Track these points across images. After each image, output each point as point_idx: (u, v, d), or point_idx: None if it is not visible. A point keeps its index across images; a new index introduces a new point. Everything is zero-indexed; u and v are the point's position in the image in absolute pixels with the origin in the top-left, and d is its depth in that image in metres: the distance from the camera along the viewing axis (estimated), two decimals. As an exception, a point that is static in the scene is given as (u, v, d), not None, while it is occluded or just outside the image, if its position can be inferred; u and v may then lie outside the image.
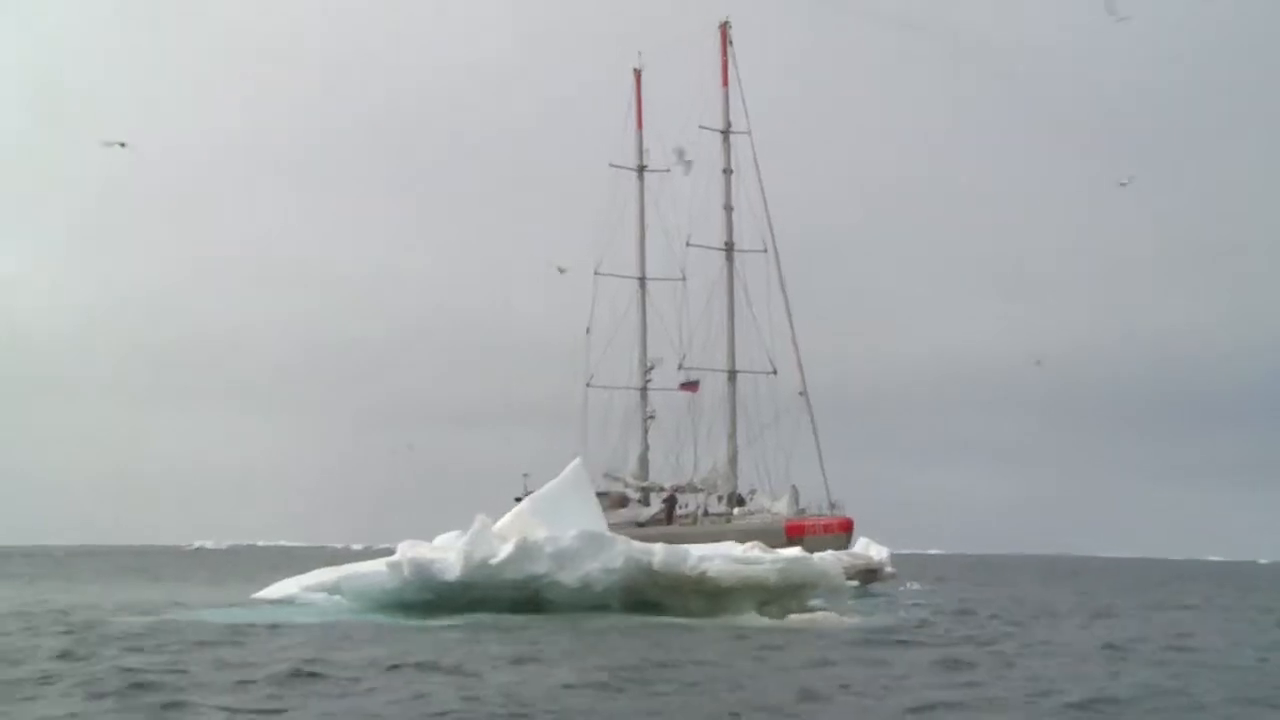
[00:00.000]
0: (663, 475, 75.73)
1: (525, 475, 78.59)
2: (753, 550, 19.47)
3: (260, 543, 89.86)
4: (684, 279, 74.17)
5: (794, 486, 65.16)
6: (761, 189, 68.66)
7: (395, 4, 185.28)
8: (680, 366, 74.48)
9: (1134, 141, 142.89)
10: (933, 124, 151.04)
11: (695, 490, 72.03)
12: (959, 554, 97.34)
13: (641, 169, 79.98)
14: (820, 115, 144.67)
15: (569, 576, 18.57)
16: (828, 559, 20.32)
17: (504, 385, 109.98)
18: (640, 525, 68.35)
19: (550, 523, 19.38)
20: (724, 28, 73.80)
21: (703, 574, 18.59)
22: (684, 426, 72.08)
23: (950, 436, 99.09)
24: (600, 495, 74.21)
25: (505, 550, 18.53)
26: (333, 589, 19.07)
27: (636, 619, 17.78)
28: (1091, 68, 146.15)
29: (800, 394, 68.41)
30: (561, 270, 55.75)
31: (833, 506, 63.02)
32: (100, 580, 33.59)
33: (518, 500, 70.21)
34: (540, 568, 18.61)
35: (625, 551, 18.74)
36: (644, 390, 78.81)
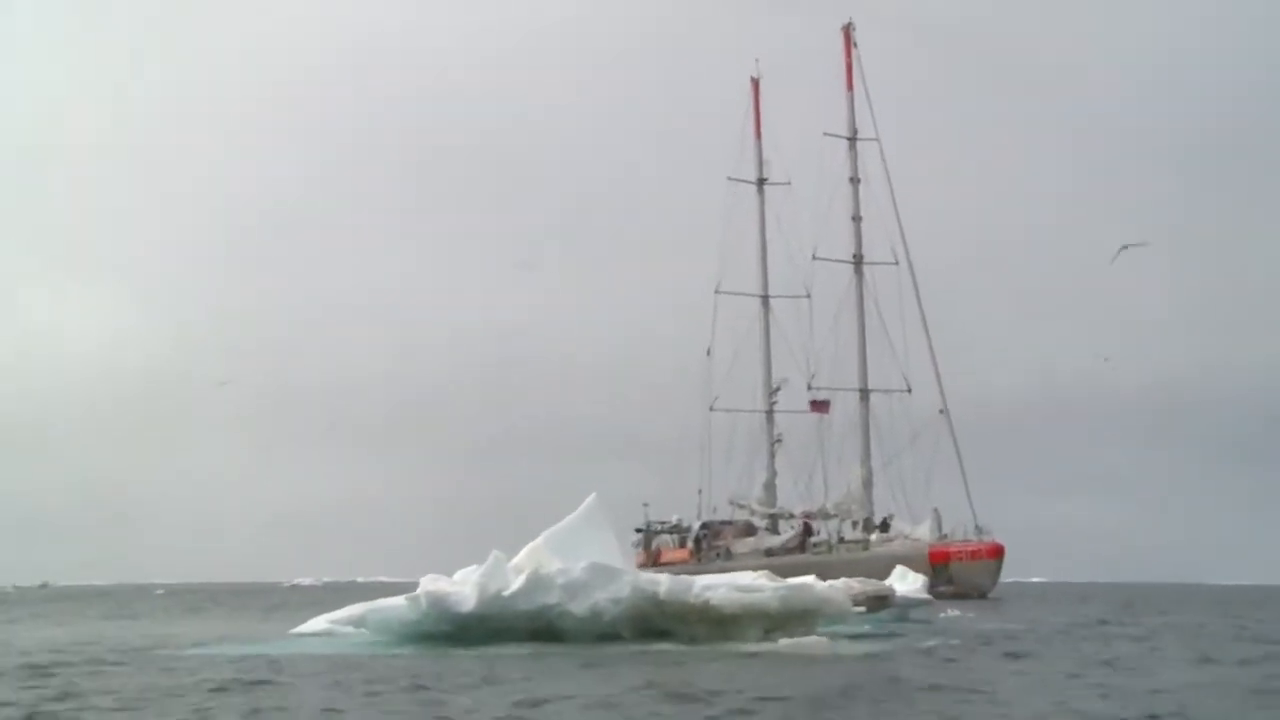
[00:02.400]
0: (791, 501, 77.88)
1: (645, 505, 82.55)
2: (759, 579, 22.05)
3: (359, 579, 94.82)
4: (809, 295, 76.49)
5: (936, 510, 66.79)
6: (892, 197, 70.43)
7: (494, 28, 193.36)
8: (809, 386, 76.48)
9: (1240, 173, 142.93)
10: (1067, 126, 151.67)
11: (828, 516, 73.91)
12: (1062, 581, 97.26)
13: (761, 182, 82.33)
14: (954, 117, 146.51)
15: (579, 607, 21.37)
16: (836, 586, 22.81)
17: (623, 414, 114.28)
18: (770, 554, 70.43)
19: (565, 556, 22.25)
20: (847, 29, 75.55)
21: (706, 602, 21.23)
22: (813, 449, 74.42)
23: (1052, 461, 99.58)
24: (725, 524, 77.87)
25: (518, 582, 21.47)
26: (359, 622, 22.24)
27: (625, 647, 20.39)
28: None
29: (941, 412, 69.88)
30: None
31: (979, 531, 64.25)
32: (157, 616, 38.37)
33: (638, 531, 73.76)
34: (552, 598, 21.46)
35: (632, 582, 21.50)
36: (769, 412, 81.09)
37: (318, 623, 23.38)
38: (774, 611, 21.20)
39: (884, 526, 69.47)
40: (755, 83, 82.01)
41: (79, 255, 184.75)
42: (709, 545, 77.42)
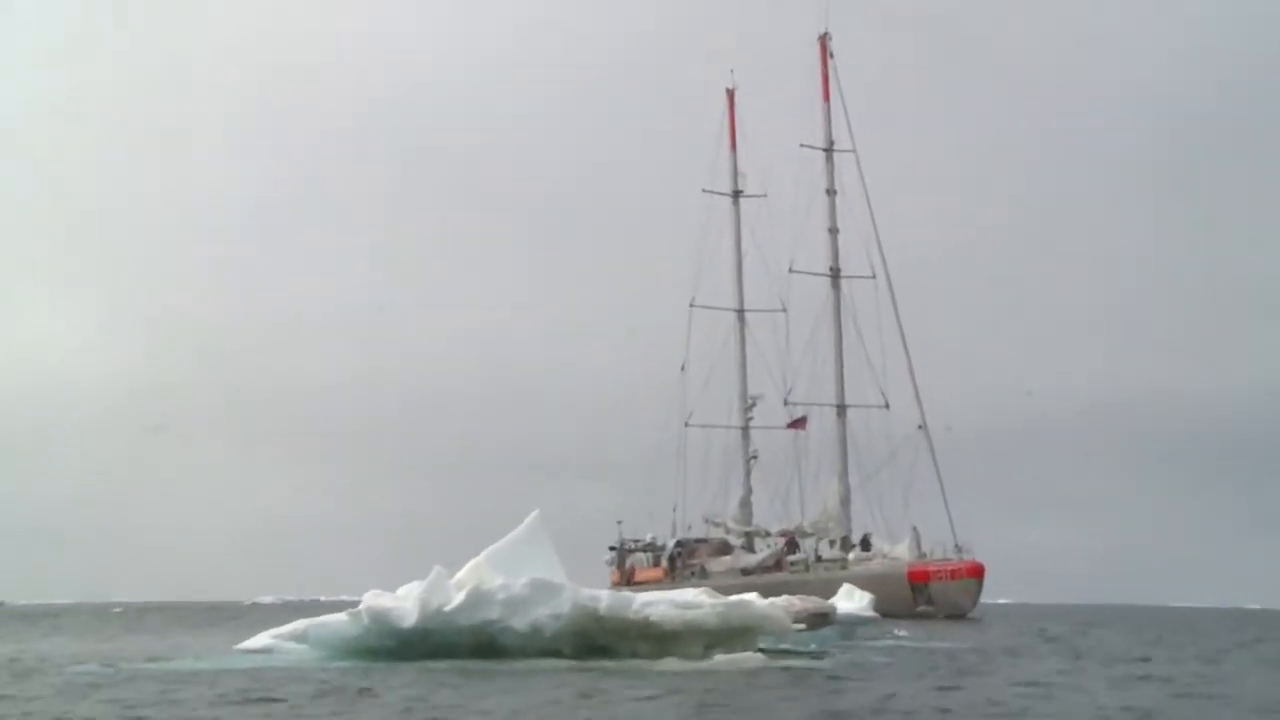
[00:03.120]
0: (767, 519, 78.65)
1: (619, 523, 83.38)
2: (699, 595, 22.88)
3: (323, 597, 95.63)
4: (785, 310, 77.34)
5: (915, 529, 67.46)
6: (870, 210, 71.40)
7: (467, 37, 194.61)
8: (785, 402, 77.35)
9: (1237, 189, 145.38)
10: (1049, 136, 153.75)
11: (805, 535, 74.66)
12: (1030, 604, 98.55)
13: (737, 194, 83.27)
14: (932, 128, 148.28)
15: (520, 623, 22.14)
16: (777, 604, 23.67)
17: (596, 430, 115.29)
18: (746, 573, 71.18)
19: (507, 573, 23.05)
20: (823, 40, 76.58)
21: (646, 619, 22.04)
22: (789, 466, 75.19)
23: (1032, 481, 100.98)
24: (699, 542, 78.57)
25: (458, 598, 22.27)
26: (300, 638, 23.01)
27: (564, 664, 21.20)
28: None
29: (919, 428, 70.68)
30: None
31: (960, 550, 64.93)
32: (105, 634, 39.22)
33: (611, 549, 74.37)
34: (493, 614, 22.23)
35: (572, 598, 22.27)
36: (745, 429, 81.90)
37: (262, 639, 24.10)
38: (713, 628, 22.00)
39: (864, 544, 70.23)
40: (730, 94, 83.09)
41: (56, 259, 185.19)
42: (684, 564, 78.22)
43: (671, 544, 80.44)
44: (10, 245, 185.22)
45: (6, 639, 36.26)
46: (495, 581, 22.60)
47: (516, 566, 23.15)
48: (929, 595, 62.25)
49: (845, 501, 72.06)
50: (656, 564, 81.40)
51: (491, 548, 23.71)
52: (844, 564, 67.90)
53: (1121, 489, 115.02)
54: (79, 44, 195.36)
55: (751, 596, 23.51)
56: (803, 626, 24.34)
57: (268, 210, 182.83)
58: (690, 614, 21.98)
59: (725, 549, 78.34)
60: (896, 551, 66.25)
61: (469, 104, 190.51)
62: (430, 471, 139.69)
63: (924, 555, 65.03)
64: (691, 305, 79.22)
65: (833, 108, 74.59)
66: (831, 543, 72.51)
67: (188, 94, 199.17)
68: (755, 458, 79.11)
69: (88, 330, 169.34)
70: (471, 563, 23.43)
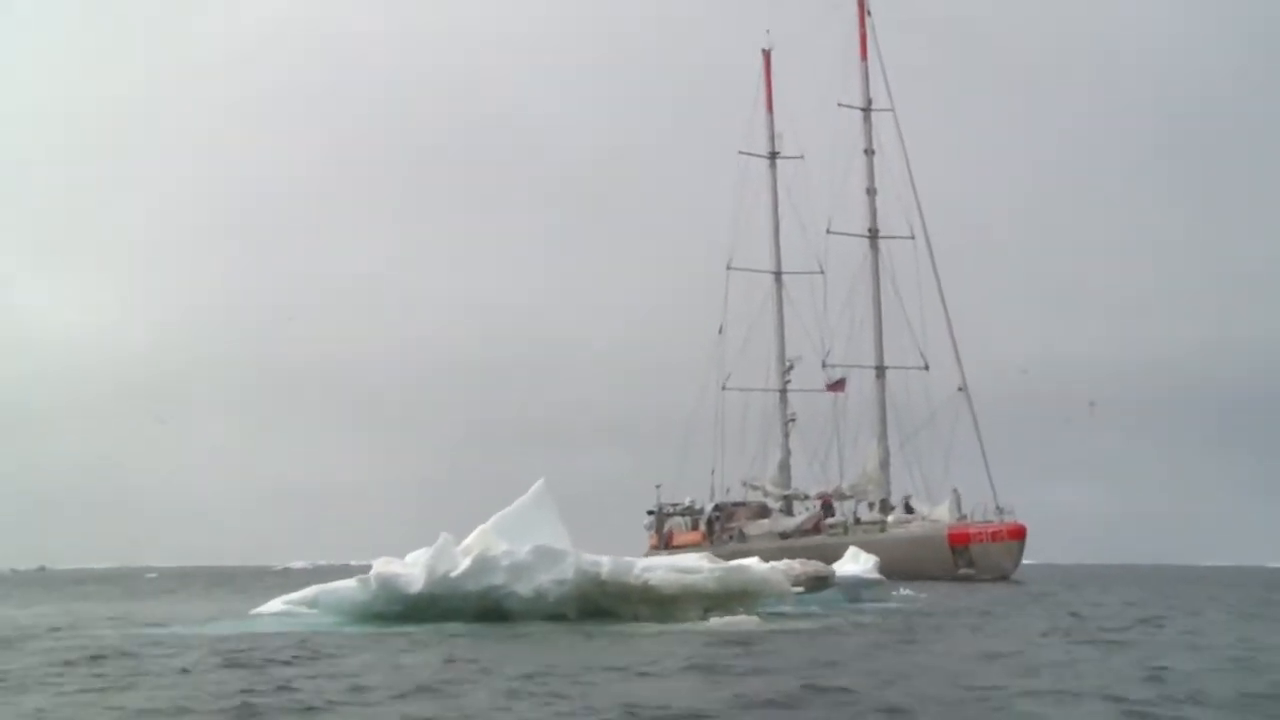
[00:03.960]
0: (806, 482, 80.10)
1: (658, 487, 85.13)
2: (700, 560, 24.25)
3: (353, 561, 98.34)
4: (823, 271, 78.34)
5: (955, 491, 68.41)
6: (908, 169, 72.14)
7: (498, 5, 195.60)
8: (823, 365, 78.49)
9: (1251, 154, 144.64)
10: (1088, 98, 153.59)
11: (844, 497, 76.01)
12: (1049, 564, 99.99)
13: (773, 155, 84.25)
14: (971, 87, 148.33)
15: (524, 588, 23.60)
16: (777, 568, 25.01)
17: (634, 395, 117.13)
18: (784, 537, 72.60)
19: (513, 540, 24.48)
20: (861, -3, 76.96)
21: (646, 583, 23.45)
22: (828, 429, 76.50)
23: (1050, 444, 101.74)
24: (738, 505, 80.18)
25: (464, 564, 23.74)
26: (311, 603, 24.58)
27: (566, 626, 22.61)
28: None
29: (960, 390, 71.57)
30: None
31: (1000, 512, 65.88)
32: (136, 598, 41.55)
33: (650, 513, 76.14)
34: (498, 580, 23.69)
35: (575, 564, 23.69)
36: (783, 392, 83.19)
37: (275, 604, 25.71)
38: (711, 592, 23.38)
39: (907, 508, 71.23)
40: (766, 54, 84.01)
41: (75, 238, 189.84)
42: (722, 527, 79.78)
43: (710, 508, 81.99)
44: (38, 225, 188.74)
45: (27, 603, 38.34)
46: (500, 548, 24.01)
47: (523, 533, 24.52)
48: (970, 558, 63.18)
49: (884, 464, 73.16)
50: (695, 528, 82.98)
51: (498, 515, 25.10)
52: (883, 526, 69.04)
53: (1138, 452, 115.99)
54: (93, 34, 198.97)
55: (751, 561, 24.87)
56: (801, 589, 25.64)
57: (296, 181, 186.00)
58: (688, 578, 23.35)
59: (764, 512, 79.81)
60: (937, 514, 67.16)
61: (501, 69, 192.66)
62: (460, 438, 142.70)
63: (964, 517, 65.89)
64: (728, 268, 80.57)
65: (870, 66, 75.33)
66: (871, 505, 73.62)
67: (203, 79, 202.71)
68: (793, 420, 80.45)
69: (120, 303, 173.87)
70: (478, 529, 24.83)
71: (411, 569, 24.04)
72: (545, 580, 23.55)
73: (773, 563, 25.56)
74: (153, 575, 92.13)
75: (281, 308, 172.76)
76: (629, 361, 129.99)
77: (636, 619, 23.40)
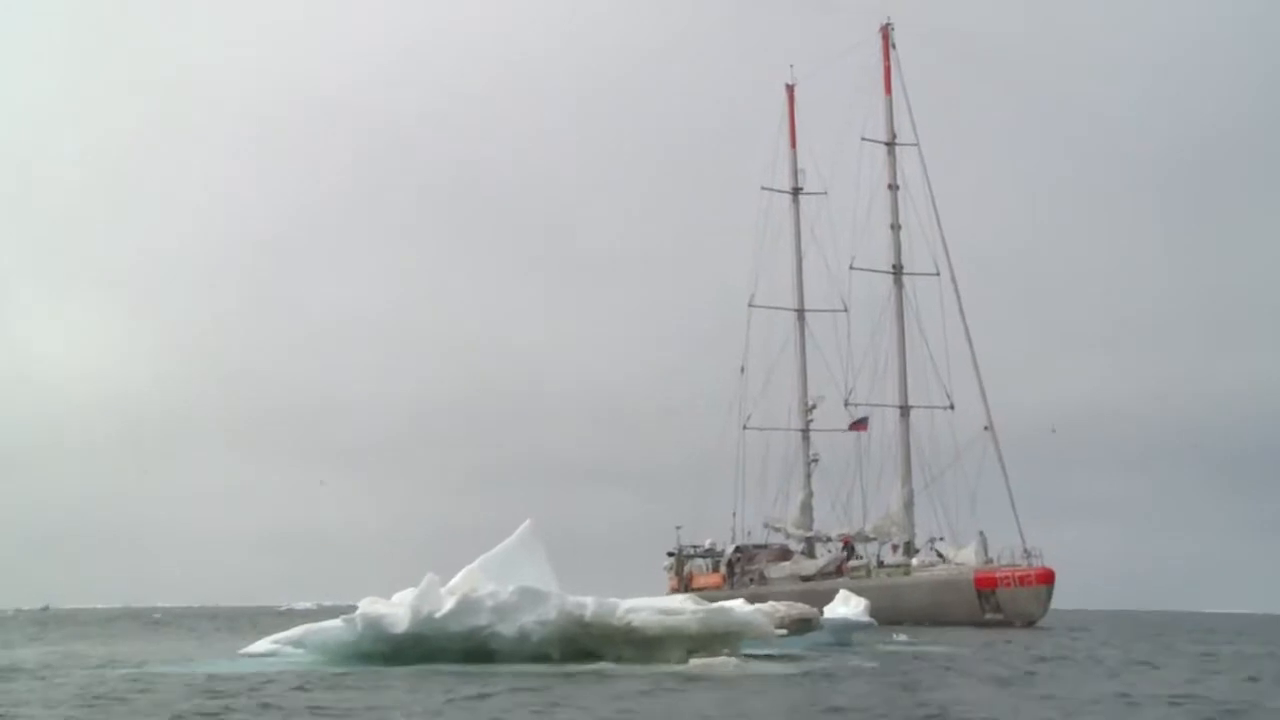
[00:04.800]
0: (828, 524, 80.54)
1: (678, 528, 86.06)
2: (685, 602, 25.37)
3: (358, 602, 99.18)
4: (846, 309, 79.23)
5: (981, 533, 68.79)
6: (933, 205, 72.76)
7: (513, 30, 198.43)
8: (846, 404, 79.17)
9: (1237, 190, 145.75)
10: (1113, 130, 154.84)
11: (867, 539, 76.50)
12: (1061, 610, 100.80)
13: (796, 191, 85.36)
14: (998, 122, 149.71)
15: (508, 629, 24.75)
16: (762, 610, 26.10)
17: (653, 434, 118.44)
18: (806, 579, 73.28)
19: (500, 581, 25.67)
20: (885, 30, 78.10)
21: (629, 624, 24.57)
22: (851, 469, 76.97)
23: (1048, 488, 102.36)
24: (759, 548, 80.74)
25: (449, 605, 24.94)
26: (298, 643, 25.81)
27: (551, 667, 23.74)
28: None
29: (985, 429, 72.11)
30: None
31: (1028, 555, 66.20)
32: (133, 638, 43.07)
33: (670, 555, 77.14)
34: (482, 620, 24.86)
35: (559, 605, 24.84)
36: (806, 431, 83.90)
37: (263, 644, 26.97)
38: (694, 633, 24.48)
39: (938, 554, 71.35)
40: (790, 89, 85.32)
41: (71, 274, 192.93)
42: (742, 570, 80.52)
43: (730, 549, 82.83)
44: (37, 260, 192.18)
45: (24, 644, 39.78)
46: (485, 589, 25.20)
47: (509, 574, 25.75)
48: (997, 602, 63.23)
49: (908, 505, 73.55)
50: (716, 570, 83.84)
51: (484, 556, 26.31)
52: (907, 570, 69.53)
53: (1139, 494, 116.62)
54: (91, 53, 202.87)
55: (735, 603, 25.93)
56: (785, 632, 26.69)
57: (295, 221, 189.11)
58: (671, 620, 24.46)
59: (785, 555, 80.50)
60: (962, 557, 67.34)
61: (512, 103, 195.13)
62: (471, 479, 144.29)
63: (991, 560, 66.12)
64: (750, 305, 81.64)
65: (894, 100, 76.11)
66: (895, 548, 74.12)
67: (202, 109, 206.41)
68: (816, 461, 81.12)
69: (122, 341, 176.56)
70: (464, 570, 26.04)
71: (397, 609, 25.24)
72: (529, 621, 24.69)
73: (757, 605, 26.61)
74: (158, 615, 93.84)
75: (282, 346, 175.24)
76: (647, 401, 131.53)
77: (620, 660, 24.49)
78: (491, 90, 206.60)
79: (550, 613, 24.73)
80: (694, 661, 23.44)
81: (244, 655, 27.01)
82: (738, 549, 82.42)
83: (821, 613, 31.34)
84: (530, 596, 24.91)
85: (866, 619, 32.78)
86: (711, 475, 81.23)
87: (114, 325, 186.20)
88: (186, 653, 30.92)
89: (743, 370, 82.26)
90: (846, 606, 33.32)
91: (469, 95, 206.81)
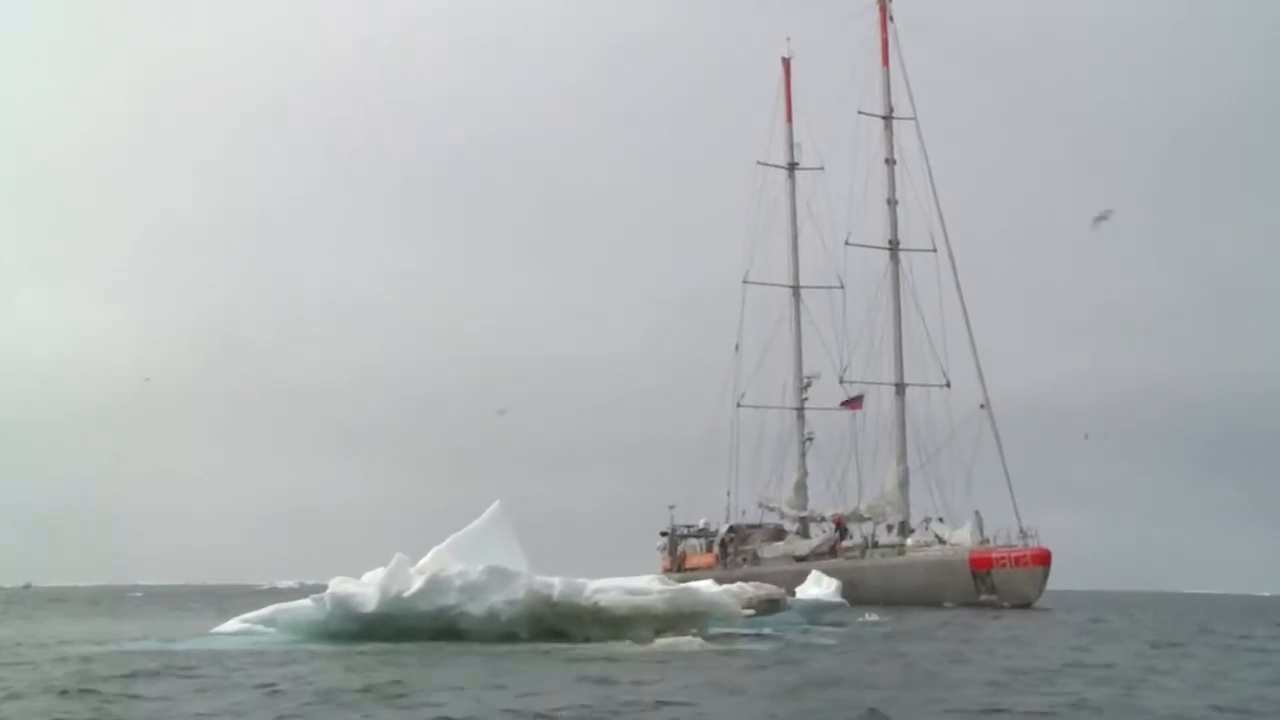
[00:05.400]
0: (823, 503, 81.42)
1: (671, 508, 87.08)
2: (651, 582, 26.34)
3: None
4: (842, 286, 79.78)
5: (976, 513, 69.18)
6: (930, 180, 73.16)
7: (506, 10, 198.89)
8: (841, 381, 79.88)
9: (1235, 174, 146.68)
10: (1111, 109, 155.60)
11: (861, 519, 77.28)
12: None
13: (792, 166, 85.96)
14: (996, 96, 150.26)
15: (477, 608, 25.73)
16: (729, 590, 27.09)
17: (646, 412, 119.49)
18: (799, 559, 74.10)
19: (469, 560, 26.63)
20: (883, 1, 78.56)
21: (596, 604, 25.55)
22: (846, 448, 77.74)
23: (1038, 472, 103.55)
24: (753, 528, 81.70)
25: (417, 584, 25.91)
26: (269, 622, 26.78)
27: (515, 646, 24.68)
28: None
29: (981, 407, 72.78)
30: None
31: (1024, 536, 66.84)
32: (108, 617, 44.38)
33: (663, 535, 78.37)
34: (450, 600, 25.84)
35: (527, 585, 25.81)
36: (800, 410, 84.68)
37: (233, 623, 27.95)
38: (661, 613, 25.46)
39: (937, 539, 71.83)
40: (786, 63, 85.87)
41: (63, 254, 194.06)
42: (736, 550, 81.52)
43: (724, 529, 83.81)
44: (27, 240, 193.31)
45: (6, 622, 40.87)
46: (454, 568, 26.17)
47: (478, 554, 26.71)
48: (992, 583, 63.78)
49: (904, 485, 74.23)
50: (709, 550, 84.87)
51: (453, 536, 27.27)
52: (901, 549, 70.19)
53: (1127, 478, 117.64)
54: (86, 42, 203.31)
55: (702, 584, 26.93)
56: (752, 612, 27.67)
57: (289, 201, 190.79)
58: (637, 600, 25.43)
59: (779, 535, 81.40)
60: (957, 537, 67.86)
61: (507, 78, 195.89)
62: (459, 459, 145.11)
63: (987, 541, 66.68)
64: (745, 281, 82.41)
65: (892, 73, 76.49)
66: (889, 528, 74.91)
67: (195, 91, 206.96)
68: (811, 439, 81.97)
69: (109, 321, 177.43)
70: (433, 550, 27.01)
71: (366, 589, 26.21)
72: (497, 600, 25.66)
73: (725, 585, 27.59)
74: (138, 594, 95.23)
75: (269, 325, 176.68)
76: (640, 379, 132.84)
77: (588, 639, 25.47)
78: (485, 70, 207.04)
79: (518, 592, 25.69)
80: (659, 641, 24.37)
81: (214, 634, 27.94)
82: (731, 529, 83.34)
83: (794, 593, 32.43)
84: (498, 576, 25.86)
85: (838, 599, 33.78)
86: (705, 454, 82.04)
87: (104, 306, 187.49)
88: (161, 631, 31.86)
89: (737, 348, 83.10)
90: (818, 587, 34.34)
91: (463, 75, 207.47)
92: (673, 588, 25.94)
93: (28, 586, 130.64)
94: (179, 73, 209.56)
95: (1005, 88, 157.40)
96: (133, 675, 18.73)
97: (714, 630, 26.53)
